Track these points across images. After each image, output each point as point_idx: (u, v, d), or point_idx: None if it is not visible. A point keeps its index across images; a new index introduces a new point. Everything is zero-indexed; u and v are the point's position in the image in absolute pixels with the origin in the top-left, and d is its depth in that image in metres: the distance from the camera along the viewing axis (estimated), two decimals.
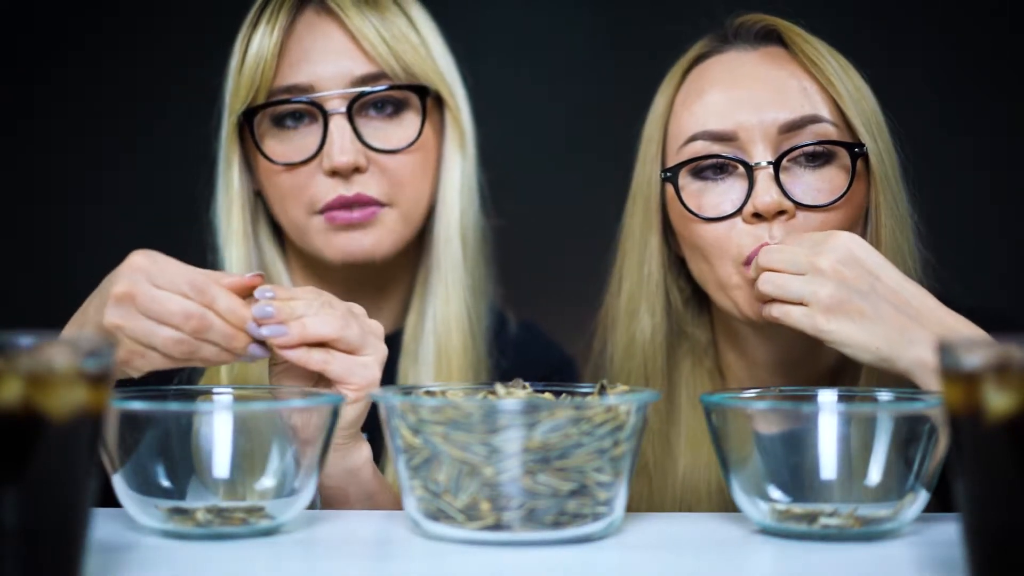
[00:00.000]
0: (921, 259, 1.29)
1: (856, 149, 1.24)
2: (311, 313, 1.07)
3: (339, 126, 1.34)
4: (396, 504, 1.20)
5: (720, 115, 1.25)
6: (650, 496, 1.34)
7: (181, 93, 2.39)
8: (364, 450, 1.17)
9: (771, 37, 1.30)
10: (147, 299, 1.03)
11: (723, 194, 1.25)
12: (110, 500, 0.98)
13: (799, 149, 1.23)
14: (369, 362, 1.10)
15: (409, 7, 1.41)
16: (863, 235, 1.27)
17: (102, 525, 0.89)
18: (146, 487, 0.97)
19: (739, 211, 1.23)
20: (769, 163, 1.22)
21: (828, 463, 0.96)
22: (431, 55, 1.40)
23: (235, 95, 1.38)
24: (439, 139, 1.42)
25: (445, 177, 1.42)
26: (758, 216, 1.22)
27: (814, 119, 1.24)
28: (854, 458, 0.96)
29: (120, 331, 1.03)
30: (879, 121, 1.27)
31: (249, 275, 1.08)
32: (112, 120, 2.67)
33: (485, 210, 1.46)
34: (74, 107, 2.68)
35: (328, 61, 1.36)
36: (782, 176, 1.22)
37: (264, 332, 1.06)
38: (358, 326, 1.09)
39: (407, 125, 1.38)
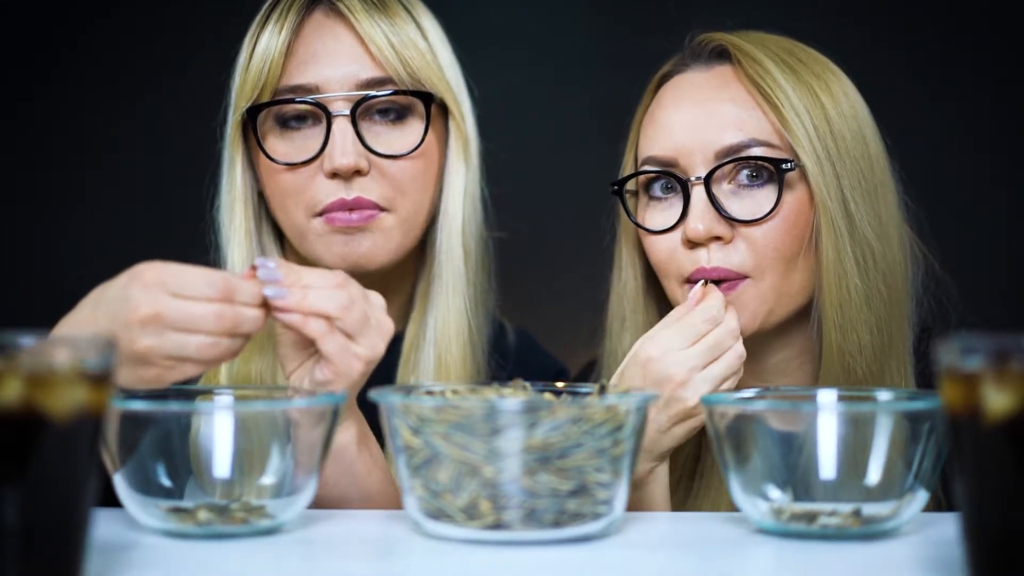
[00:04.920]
0: (866, 287, 1.25)
1: (784, 165, 1.24)
2: (317, 286, 1.06)
3: (342, 128, 1.34)
4: (389, 486, 1.19)
5: (663, 140, 1.29)
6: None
7: (182, 90, 2.40)
8: (347, 433, 1.16)
9: (724, 56, 1.31)
10: (175, 313, 1.00)
11: (665, 211, 1.28)
12: (111, 500, 0.98)
13: (727, 164, 1.24)
14: (360, 353, 1.08)
15: (419, 14, 1.40)
16: (814, 257, 1.25)
17: (103, 525, 0.89)
18: (147, 487, 0.97)
19: (675, 227, 1.26)
20: (698, 179, 1.25)
21: (827, 463, 0.96)
22: (438, 63, 1.39)
23: (240, 93, 1.37)
24: (442, 148, 1.41)
25: (448, 186, 1.41)
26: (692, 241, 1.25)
27: (751, 143, 1.25)
28: (853, 458, 0.96)
29: (152, 352, 1.00)
30: (829, 142, 1.25)
31: (249, 267, 1.07)
32: (112, 118, 2.67)
33: (487, 221, 1.46)
34: (73, 105, 2.68)
35: (335, 63, 1.35)
36: (723, 199, 1.24)
37: (267, 292, 1.05)
38: (362, 314, 1.08)
39: (410, 131, 1.37)
